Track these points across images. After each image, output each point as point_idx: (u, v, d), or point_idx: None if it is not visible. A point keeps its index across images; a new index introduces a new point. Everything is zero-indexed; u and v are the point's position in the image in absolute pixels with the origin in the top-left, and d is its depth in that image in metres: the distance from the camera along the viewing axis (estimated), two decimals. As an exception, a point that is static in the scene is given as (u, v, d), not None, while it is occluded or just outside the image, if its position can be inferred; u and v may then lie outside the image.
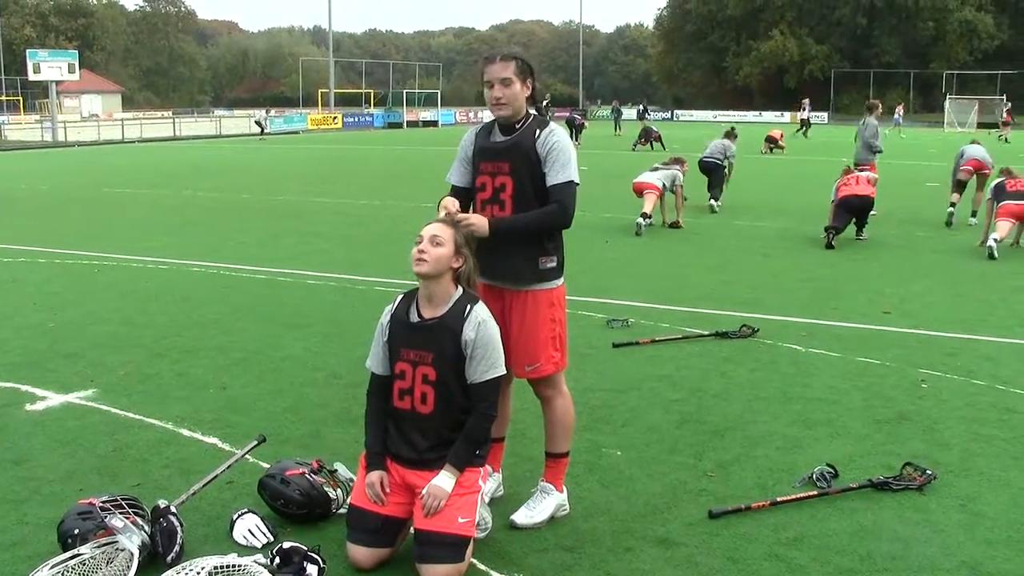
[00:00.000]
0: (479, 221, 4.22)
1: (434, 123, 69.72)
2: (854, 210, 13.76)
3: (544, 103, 47.42)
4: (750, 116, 79.39)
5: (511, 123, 4.47)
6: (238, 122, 63.90)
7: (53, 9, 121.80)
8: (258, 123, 54.22)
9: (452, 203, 4.33)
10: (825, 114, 76.38)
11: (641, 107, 59.85)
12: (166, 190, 21.98)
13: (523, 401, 5.39)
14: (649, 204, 14.73)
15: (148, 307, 9.54)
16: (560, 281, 4.58)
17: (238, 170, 28.80)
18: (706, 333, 8.32)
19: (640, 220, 14.45)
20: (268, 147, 42.60)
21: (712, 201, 17.38)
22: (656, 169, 15.55)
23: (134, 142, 48.32)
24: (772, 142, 36.33)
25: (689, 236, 14.69)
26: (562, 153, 4.38)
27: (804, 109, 52.00)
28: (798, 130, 49.96)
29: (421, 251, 4.07)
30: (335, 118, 65.37)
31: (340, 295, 10.13)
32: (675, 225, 15.10)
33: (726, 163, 17.67)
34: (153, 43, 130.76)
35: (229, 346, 7.98)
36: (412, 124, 67.86)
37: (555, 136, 4.42)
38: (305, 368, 7.30)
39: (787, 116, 77.10)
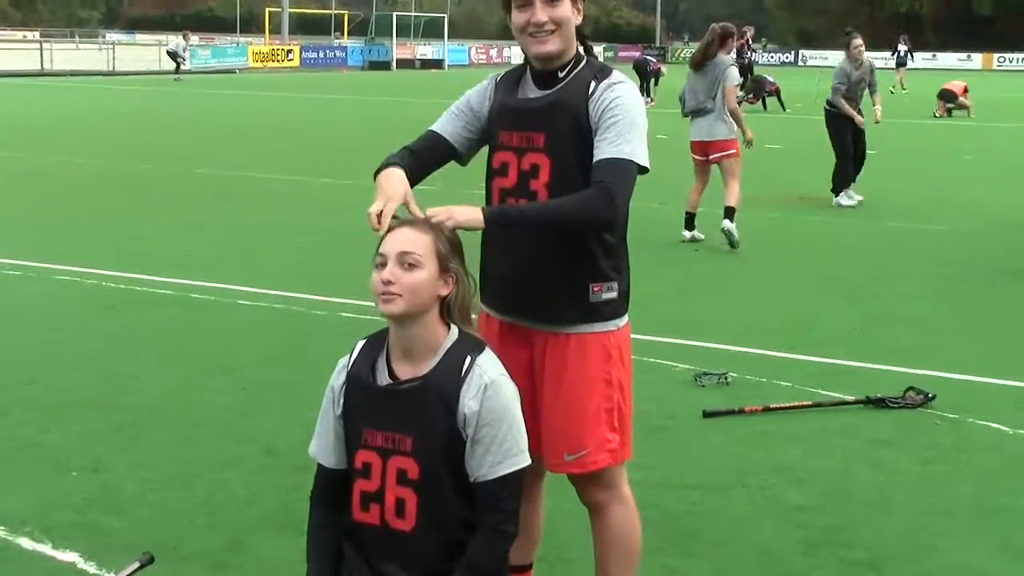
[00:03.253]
0: (462, 213, 4.00)
1: (438, 63, 70.11)
2: None
3: (745, 40, 44.85)
4: (920, 59, 78.91)
5: (552, 69, 4.33)
6: (141, 52, 64.34)
7: None
8: (172, 55, 54.15)
9: (398, 188, 4.14)
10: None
11: (901, 47, 56.38)
12: (23, 153, 21.98)
13: (560, 502, 5.26)
14: (696, 193, 14.22)
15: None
16: (623, 321, 4.45)
17: (139, 126, 28.92)
18: (851, 399, 8.14)
19: (686, 233, 14.19)
20: (186, 92, 42.79)
21: (842, 198, 17.17)
22: (699, 108, 14.11)
23: (-18, 78, 48.57)
24: (950, 99, 36.10)
25: (816, 242, 14.57)
26: (624, 115, 4.21)
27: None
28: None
29: (387, 281, 3.86)
30: (289, 52, 65.80)
31: (288, 323, 10.04)
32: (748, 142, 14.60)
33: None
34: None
35: (111, 401, 7.85)
36: (406, 64, 68.31)
37: (616, 91, 4.25)
38: (226, 440, 7.18)
39: (976, 59, 76.59)
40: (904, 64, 53.03)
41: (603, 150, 4.16)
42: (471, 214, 3.98)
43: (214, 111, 34.44)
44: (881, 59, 51.36)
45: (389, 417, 3.93)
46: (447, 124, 4.50)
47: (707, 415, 7.76)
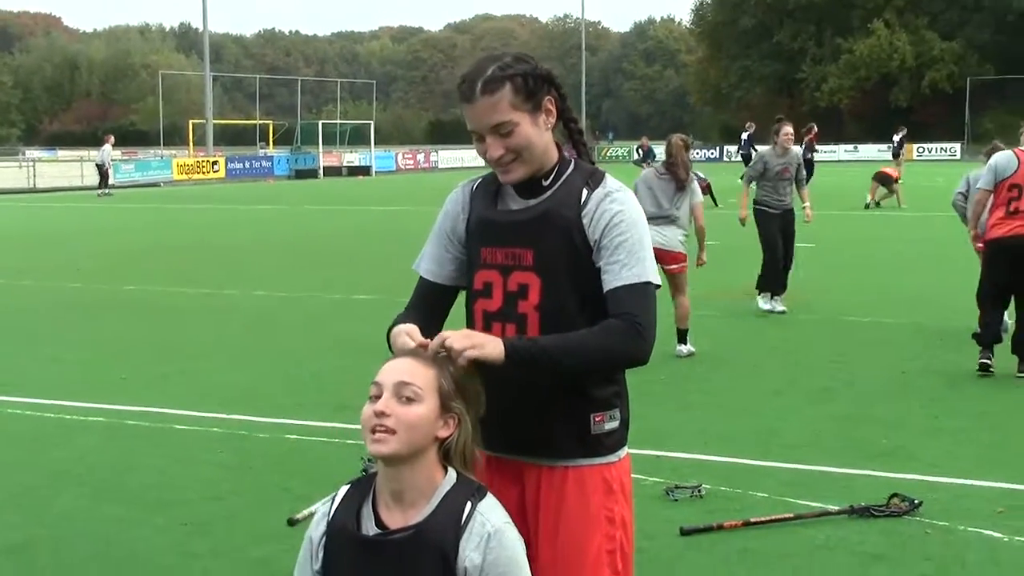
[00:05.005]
0: (486, 345, 3.56)
1: (366, 170, 69.87)
2: (1015, 268, 12.11)
3: (813, 135, 42.82)
4: (841, 151, 79.88)
5: (535, 179, 3.92)
6: (63, 168, 63.88)
7: None
8: (100, 167, 53.10)
9: (413, 335, 3.68)
10: (958, 146, 76.81)
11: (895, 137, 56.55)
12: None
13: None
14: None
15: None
16: (624, 452, 4.05)
17: (63, 243, 28.41)
18: (833, 509, 7.76)
19: (682, 348, 13.61)
20: (111, 208, 42.29)
21: (761, 301, 16.24)
22: (663, 215, 13.26)
23: None
24: (885, 182, 36.03)
25: (774, 338, 14.29)
26: (630, 232, 3.82)
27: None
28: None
29: (381, 414, 3.42)
30: (215, 163, 65.48)
31: (229, 449, 9.55)
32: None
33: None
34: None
35: (36, 544, 7.34)
36: (333, 172, 68.12)
37: (616, 201, 3.86)
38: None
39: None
40: (897, 155, 53.14)
41: (618, 275, 3.78)
42: (494, 348, 3.54)
43: (139, 227, 33.90)
44: (824, 151, 52.16)
45: (377, 572, 3.48)
46: (433, 262, 4.09)
47: (684, 533, 7.36)
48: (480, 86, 3.77)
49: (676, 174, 13.02)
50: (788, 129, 16.17)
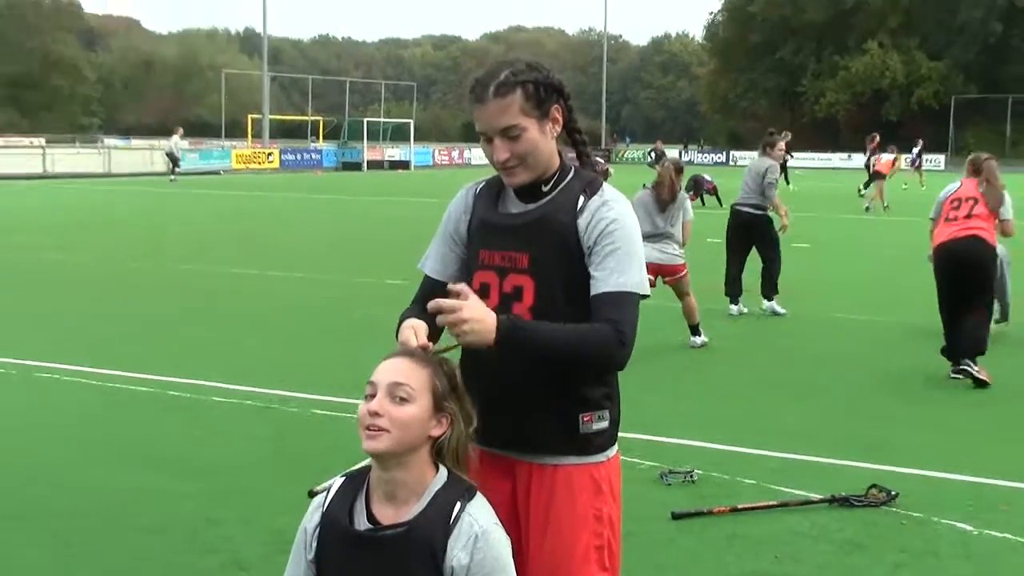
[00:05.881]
0: (478, 315, 3.32)
1: (405, 164, 69.63)
2: (957, 272, 11.37)
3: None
4: (836, 159, 79.32)
5: (536, 184, 3.66)
6: (135, 156, 63.58)
7: None
8: (170, 155, 52.86)
9: (418, 332, 3.44)
10: (942, 157, 76.01)
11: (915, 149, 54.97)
12: (18, 253, 21.21)
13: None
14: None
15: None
16: (613, 451, 3.77)
17: (127, 224, 28.28)
18: (816, 498, 7.44)
19: (696, 339, 13.10)
20: (176, 192, 42.09)
21: (766, 304, 15.37)
22: (659, 232, 12.87)
23: (-16, 179, 47.84)
24: (878, 176, 36.00)
25: (765, 333, 13.97)
26: (623, 240, 3.56)
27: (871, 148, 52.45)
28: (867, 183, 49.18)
29: (374, 413, 3.18)
30: (270, 155, 65.23)
31: (259, 423, 9.28)
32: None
33: (767, 201, 15.32)
34: (19, 43, 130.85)
35: (75, 508, 7.09)
36: (375, 165, 67.74)
37: (611, 210, 3.60)
38: (191, 549, 6.42)
39: (887, 158, 77.14)
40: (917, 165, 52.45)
41: (605, 281, 3.52)
42: (485, 324, 3.30)
43: (198, 211, 33.71)
44: (820, 159, 51.65)
45: (367, 567, 3.22)
46: (438, 261, 3.85)
47: (676, 517, 7.06)
48: (493, 89, 3.55)
49: (659, 195, 12.76)
50: (783, 144, 16.00)
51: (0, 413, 9.49)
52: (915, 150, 53.06)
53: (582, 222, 3.56)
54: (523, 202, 3.68)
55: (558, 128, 3.67)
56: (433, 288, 3.77)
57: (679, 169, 13.27)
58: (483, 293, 3.63)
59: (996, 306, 12.67)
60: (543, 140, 3.60)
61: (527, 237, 3.60)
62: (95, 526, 6.76)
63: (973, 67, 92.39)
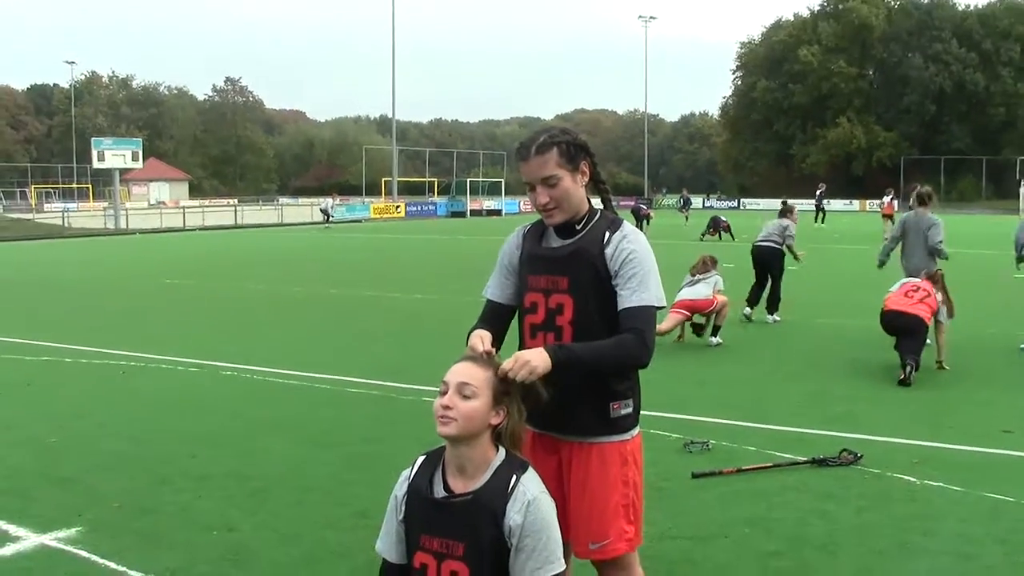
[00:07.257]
0: (536, 359, 3.16)
1: (498, 212, 69.54)
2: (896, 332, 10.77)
3: (821, 191, 48.69)
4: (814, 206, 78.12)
5: (570, 223, 3.51)
6: (301, 210, 64.25)
7: (125, 99, 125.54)
8: (324, 211, 53.49)
9: (484, 339, 3.30)
10: (896, 202, 74.96)
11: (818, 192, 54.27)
12: (215, 281, 21.41)
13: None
14: (670, 322, 12.33)
15: (164, 419, 8.62)
16: (636, 431, 3.59)
17: (293, 260, 28.40)
18: (801, 460, 7.17)
19: (712, 339, 12.77)
20: (328, 236, 42.32)
21: (769, 316, 14.90)
22: (695, 280, 12.94)
23: (195, 230, 48.54)
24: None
25: (766, 336, 13.59)
26: (640, 265, 3.41)
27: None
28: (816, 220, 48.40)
29: (446, 406, 3.06)
30: (398, 207, 65.51)
31: (382, 407, 9.15)
32: (698, 332, 12.90)
33: (784, 247, 15.28)
34: (221, 132, 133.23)
35: (246, 472, 7.00)
36: (476, 213, 67.71)
37: (631, 242, 3.45)
38: (328, 503, 6.29)
39: (855, 204, 76.43)
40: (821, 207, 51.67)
41: (628, 298, 3.38)
42: (542, 361, 3.16)
43: (345, 249, 33.82)
44: (806, 204, 51.18)
45: (443, 526, 3.09)
46: (497, 288, 3.73)
47: (695, 476, 6.83)
48: (535, 148, 3.44)
49: (693, 272, 13.05)
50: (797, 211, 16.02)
51: (204, 401, 9.45)
52: (818, 193, 52.07)
53: (608, 252, 3.43)
54: (561, 238, 3.54)
55: (586, 179, 3.53)
56: (494, 309, 3.68)
57: (713, 260, 13.29)
58: (533, 310, 3.52)
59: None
60: (575, 188, 3.47)
61: (565, 265, 3.47)
62: (265, 486, 6.66)
63: (916, 136, 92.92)
